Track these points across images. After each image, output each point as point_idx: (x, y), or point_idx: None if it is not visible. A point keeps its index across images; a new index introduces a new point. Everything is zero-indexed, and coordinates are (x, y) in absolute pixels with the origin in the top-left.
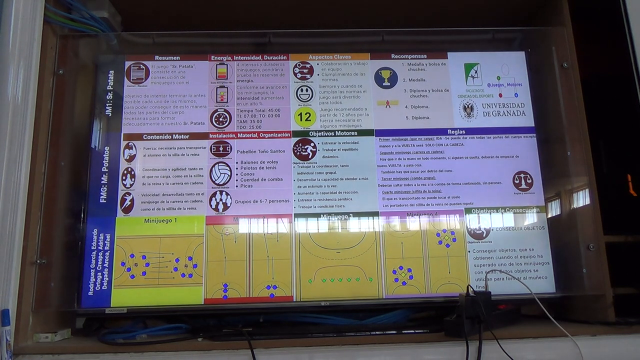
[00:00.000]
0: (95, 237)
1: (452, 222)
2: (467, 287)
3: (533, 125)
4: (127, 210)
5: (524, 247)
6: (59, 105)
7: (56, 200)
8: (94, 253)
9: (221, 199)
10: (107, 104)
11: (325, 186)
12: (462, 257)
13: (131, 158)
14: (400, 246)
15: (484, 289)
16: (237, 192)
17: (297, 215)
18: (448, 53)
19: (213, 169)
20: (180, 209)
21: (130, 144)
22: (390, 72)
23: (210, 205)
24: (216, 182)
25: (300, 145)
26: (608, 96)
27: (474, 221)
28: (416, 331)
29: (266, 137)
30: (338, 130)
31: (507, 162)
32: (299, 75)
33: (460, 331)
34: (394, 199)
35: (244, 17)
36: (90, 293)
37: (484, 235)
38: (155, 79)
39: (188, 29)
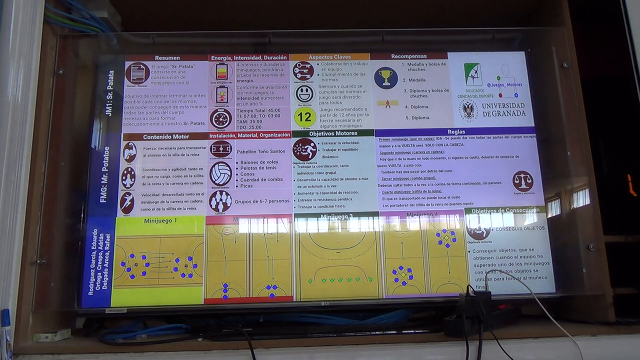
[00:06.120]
0: (95, 237)
1: (452, 222)
2: (467, 287)
3: (533, 125)
4: (127, 210)
5: (524, 247)
6: (59, 105)
7: (56, 200)
8: (94, 253)
9: (221, 199)
10: (107, 104)
11: (325, 186)
12: (462, 257)
13: (131, 158)
14: (400, 246)
15: (484, 289)
16: (237, 192)
17: (297, 215)
18: (448, 53)
19: (213, 169)
20: (180, 209)
21: (130, 144)
22: (390, 72)
23: (210, 205)
24: (216, 182)
25: (300, 145)
26: (608, 96)
27: (474, 221)
28: (416, 331)
29: (266, 137)
30: (338, 130)
31: (507, 162)
32: (299, 75)
33: (460, 331)
34: (394, 199)
35: (244, 17)
36: (90, 293)
37: (484, 235)
38: (155, 79)
39: (188, 29)
